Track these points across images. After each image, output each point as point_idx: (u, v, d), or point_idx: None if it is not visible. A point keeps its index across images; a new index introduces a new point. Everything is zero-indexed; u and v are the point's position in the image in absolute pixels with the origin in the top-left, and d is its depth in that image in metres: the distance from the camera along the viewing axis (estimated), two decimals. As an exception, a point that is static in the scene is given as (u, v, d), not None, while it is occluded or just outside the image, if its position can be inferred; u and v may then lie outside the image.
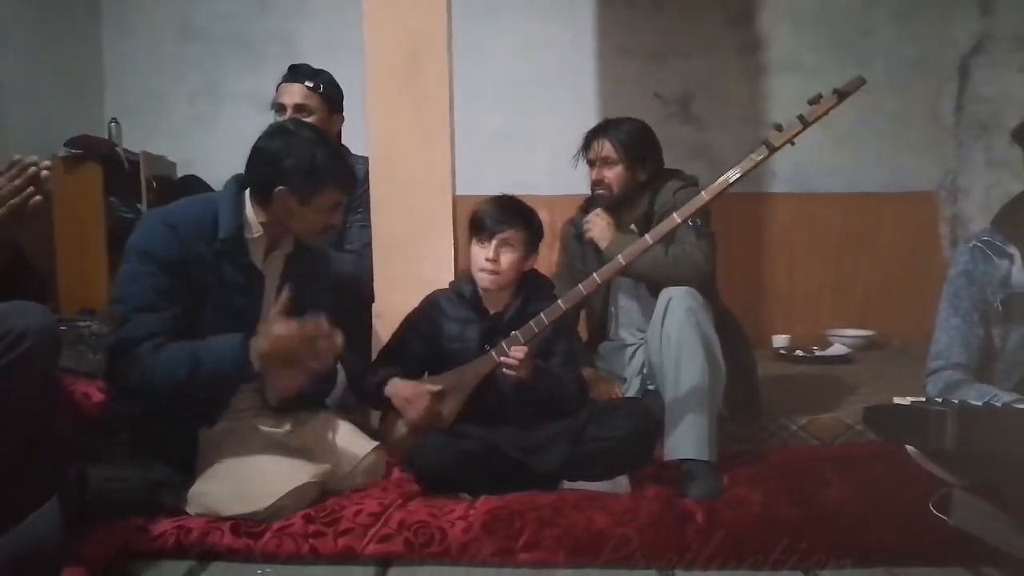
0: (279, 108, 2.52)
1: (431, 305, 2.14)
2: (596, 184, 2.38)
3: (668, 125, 3.89)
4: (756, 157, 1.89)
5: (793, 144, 1.89)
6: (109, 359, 1.82)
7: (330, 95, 2.57)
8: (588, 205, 2.49)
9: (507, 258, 2.03)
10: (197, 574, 1.62)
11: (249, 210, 1.87)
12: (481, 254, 2.03)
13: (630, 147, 2.34)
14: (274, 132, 1.89)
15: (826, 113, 1.87)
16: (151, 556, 1.65)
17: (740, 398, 2.27)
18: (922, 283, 3.66)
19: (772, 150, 1.88)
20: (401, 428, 2.03)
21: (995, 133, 3.69)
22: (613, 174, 2.35)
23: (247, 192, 1.88)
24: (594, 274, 2.00)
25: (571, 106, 3.78)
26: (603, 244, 2.29)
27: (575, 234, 2.47)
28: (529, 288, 2.09)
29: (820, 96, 1.87)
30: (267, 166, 1.83)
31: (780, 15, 3.94)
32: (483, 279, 2.05)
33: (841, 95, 1.86)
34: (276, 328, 1.71)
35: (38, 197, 1.46)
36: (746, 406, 2.33)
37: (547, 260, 2.38)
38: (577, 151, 2.43)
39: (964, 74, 3.82)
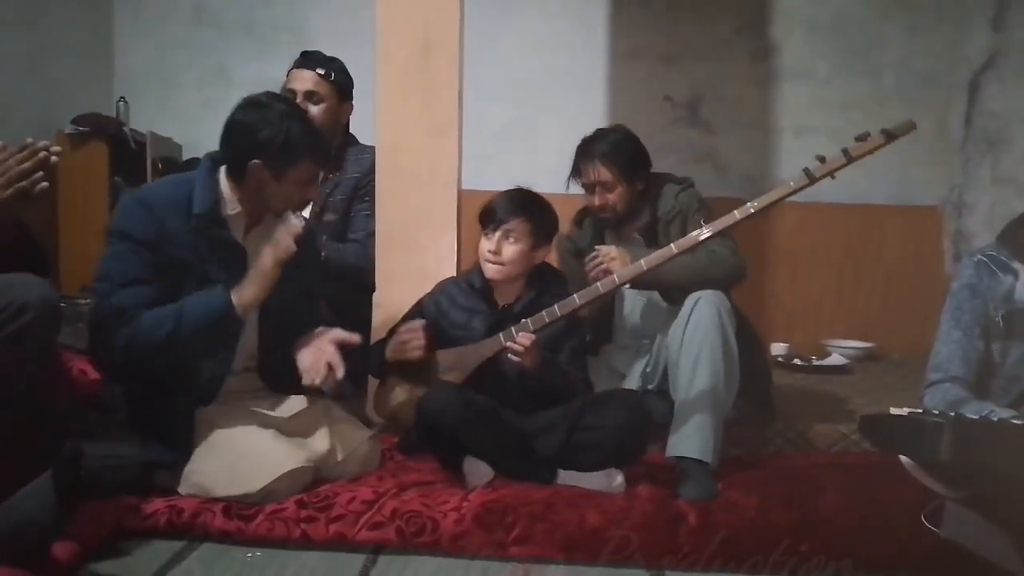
0: (289, 94, 2.51)
1: (441, 290, 2.14)
2: (601, 209, 2.31)
3: (675, 128, 3.89)
4: (794, 184, 1.89)
5: (833, 177, 1.88)
6: (93, 332, 1.82)
7: (341, 83, 2.57)
8: (581, 218, 2.45)
9: (510, 250, 2.03)
10: (187, 555, 1.62)
11: (224, 186, 1.85)
12: (485, 245, 2.04)
13: (624, 165, 2.27)
14: (247, 105, 1.84)
15: (871, 152, 1.86)
16: (142, 535, 1.66)
17: (754, 402, 2.26)
18: (923, 297, 3.66)
19: (812, 180, 1.87)
20: (399, 395, 2.04)
21: (1002, 149, 3.68)
22: (616, 196, 2.28)
23: (223, 169, 1.86)
24: (614, 274, 1.99)
25: (578, 106, 3.77)
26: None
27: (570, 249, 2.42)
28: (541, 282, 2.09)
29: (868, 134, 1.86)
30: (241, 139, 1.80)
31: (793, 23, 3.93)
32: (488, 269, 2.05)
33: (889, 136, 1.85)
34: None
35: (45, 184, 1.46)
36: (760, 410, 2.32)
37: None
38: (568, 177, 2.34)
39: (974, 89, 3.80)
